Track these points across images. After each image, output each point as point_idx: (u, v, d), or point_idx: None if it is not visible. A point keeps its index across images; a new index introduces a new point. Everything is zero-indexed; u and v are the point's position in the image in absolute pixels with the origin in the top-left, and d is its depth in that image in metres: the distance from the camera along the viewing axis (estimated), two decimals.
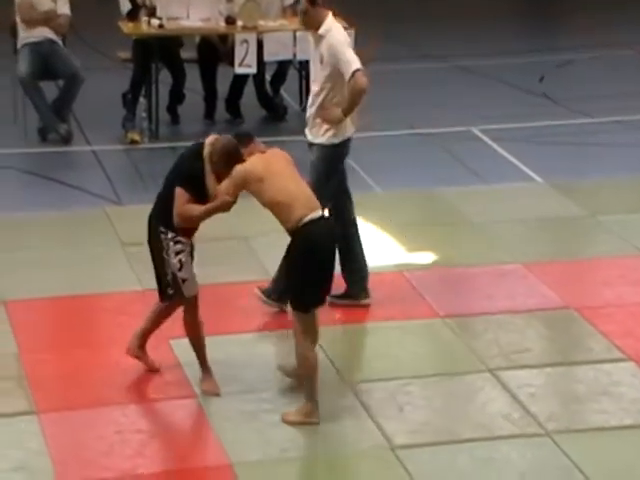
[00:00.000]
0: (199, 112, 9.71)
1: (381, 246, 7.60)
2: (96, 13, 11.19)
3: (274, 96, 9.97)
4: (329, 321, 6.64)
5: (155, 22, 9.22)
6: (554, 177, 8.66)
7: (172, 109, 9.69)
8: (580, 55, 11.42)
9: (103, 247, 7.44)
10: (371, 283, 6.92)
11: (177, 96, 9.71)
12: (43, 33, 9.08)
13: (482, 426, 5.74)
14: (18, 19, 9.13)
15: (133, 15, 9.32)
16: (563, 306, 6.86)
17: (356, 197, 8.36)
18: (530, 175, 8.82)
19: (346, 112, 6.46)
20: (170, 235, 5.83)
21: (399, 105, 10.08)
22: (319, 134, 6.52)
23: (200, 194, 5.77)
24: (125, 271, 7.13)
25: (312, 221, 5.64)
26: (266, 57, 9.38)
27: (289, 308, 5.95)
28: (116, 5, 9.56)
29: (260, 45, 9.31)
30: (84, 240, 7.59)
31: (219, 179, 5.75)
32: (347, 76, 6.36)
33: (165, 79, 9.65)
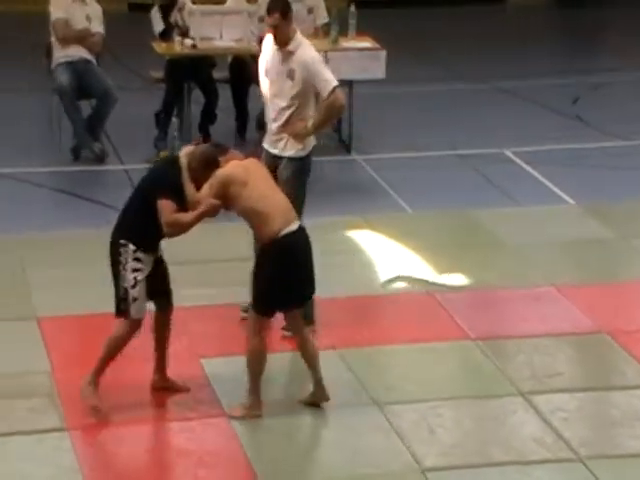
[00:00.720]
0: (231, 131, 9.72)
1: (411, 267, 7.57)
2: (129, 33, 11.26)
3: None
4: (359, 342, 6.62)
5: (188, 42, 9.27)
6: (587, 199, 8.61)
7: (204, 129, 9.71)
8: (614, 77, 11.37)
9: None
10: (403, 305, 6.89)
11: (209, 116, 9.74)
12: (78, 52, 9.13)
13: (514, 450, 5.69)
14: (53, 38, 9.19)
15: (166, 35, 9.37)
16: (596, 330, 6.79)
17: (387, 218, 8.38)
18: (563, 197, 8.77)
19: (318, 127, 6.59)
20: (131, 248, 5.79)
21: (431, 126, 10.07)
22: (286, 148, 6.61)
23: (181, 204, 5.76)
24: None
25: (290, 233, 5.73)
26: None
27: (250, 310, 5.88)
28: (149, 25, 9.61)
29: None
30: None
31: (198, 186, 5.76)
32: (325, 92, 6.45)
33: (197, 99, 9.68)
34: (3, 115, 9.96)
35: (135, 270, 5.81)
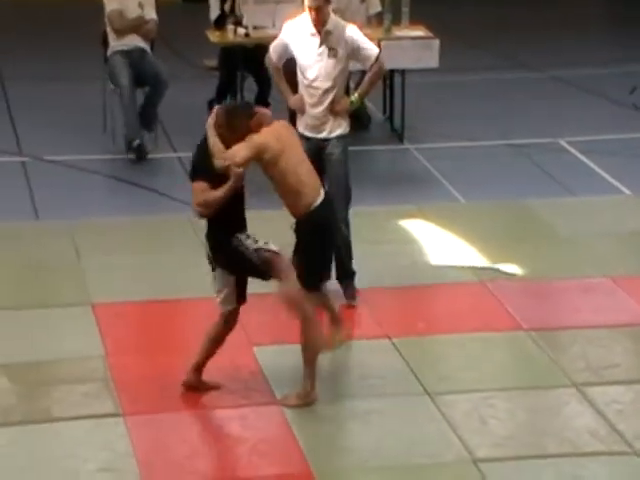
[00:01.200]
0: (283, 119, 9.71)
1: (464, 256, 7.53)
2: (183, 23, 11.31)
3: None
4: (412, 332, 6.60)
5: (241, 31, 9.27)
6: None
7: None
8: None
9: (187, 252, 7.47)
10: (455, 294, 6.85)
11: (262, 104, 9.73)
12: (133, 41, 9.18)
13: (567, 442, 5.64)
14: (108, 28, 9.25)
15: (220, 22, 9.38)
16: None
17: (440, 207, 8.34)
18: (619, 188, 8.67)
19: (364, 96, 6.84)
20: (238, 237, 5.76)
21: (484, 116, 10.00)
22: (334, 128, 6.72)
23: (210, 175, 5.67)
24: (208, 277, 7.14)
25: (320, 205, 5.80)
26: (350, 66, 9.36)
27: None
28: (203, 15, 9.63)
29: None
30: (169, 245, 7.64)
31: (227, 145, 5.71)
32: (370, 60, 6.68)
33: (250, 87, 9.69)
34: (60, 103, 10.04)
35: (257, 250, 5.73)
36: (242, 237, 5.81)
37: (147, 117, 9.21)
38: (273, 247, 5.81)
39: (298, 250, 5.90)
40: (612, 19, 13.44)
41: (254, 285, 6.98)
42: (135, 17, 9.20)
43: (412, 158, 9.31)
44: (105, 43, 9.32)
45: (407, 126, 9.56)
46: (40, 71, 10.73)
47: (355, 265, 6.96)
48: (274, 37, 9.41)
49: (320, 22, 6.62)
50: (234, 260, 5.84)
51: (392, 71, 9.55)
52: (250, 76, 9.68)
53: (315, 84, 6.67)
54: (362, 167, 9.25)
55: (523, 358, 6.46)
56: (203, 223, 7.87)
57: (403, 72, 9.44)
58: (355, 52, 6.67)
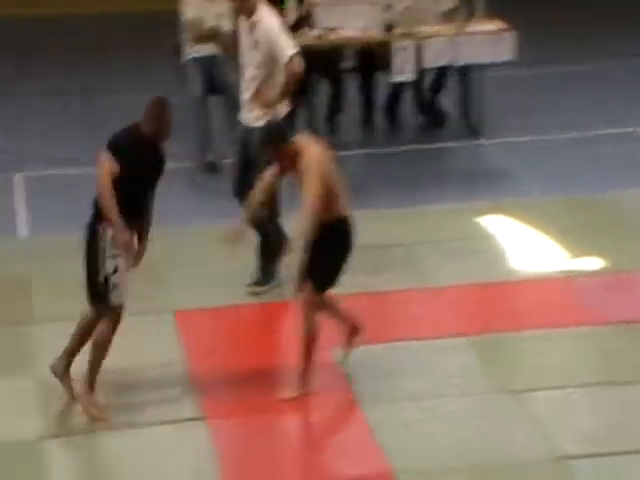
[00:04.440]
0: (357, 120, 9.72)
1: (544, 252, 7.44)
2: None
3: (433, 103, 9.90)
4: (491, 329, 6.55)
5: (314, 34, 9.29)
6: None
7: (330, 119, 9.73)
8: None
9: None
10: (534, 289, 6.77)
11: (335, 106, 9.75)
12: (207, 49, 9.26)
13: None
14: (184, 36, 9.34)
15: (297, 26, 9.39)
16: None
17: (518, 202, 8.25)
18: None
19: (282, 95, 6.79)
20: (111, 235, 5.69)
21: (562, 108, 9.88)
22: (257, 118, 6.77)
23: (124, 164, 5.66)
24: (286, 280, 7.18)
25: (348, 216, 5.89)
26: (425, 63, 9.33)
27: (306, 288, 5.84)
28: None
29: (419, 51, 9.27)
30: (252, 249, 7.66)
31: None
32: (284, 60, 6.70)
33: (324, 88, 9.70)
34: (131, 116, 10.15)
35: (114, 256, 5.70)
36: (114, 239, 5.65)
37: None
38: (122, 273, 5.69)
39: (320, 253, 5.84)
40: None
41: (339, 287, 7.00)
42: (211, 27, 9.27)
43: (489, 154, 9.23)
44: (178, 52, 9.41)
45: (483, 121, 9.49)
46: (112, 84, 10.87)
47: (434, 263, 6.92)
48: (347, 38, 9.48)
49: (246, 11, 6.77)
50: (89, 247, 5.70)
51: (467, 66, 9.49)
52: (324, 78, 9.69)
53: (244, 71, 6.86)
54: (439, 164, 9.21)
55: (608, 353, 6.36)
56: (284, 225, 7.94)
57: (479, 67, 9.37)
58: (272, 48, 6.73)
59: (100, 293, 5.72)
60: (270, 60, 6.75)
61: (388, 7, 9.46)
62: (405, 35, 9.27)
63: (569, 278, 7.08)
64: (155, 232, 7.87)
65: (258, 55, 6.74)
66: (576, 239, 7.57)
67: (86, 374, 5.80)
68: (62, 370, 5.89)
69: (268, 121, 6.36)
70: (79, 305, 5.88)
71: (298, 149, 5.86)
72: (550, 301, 6.82)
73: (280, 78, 6.76)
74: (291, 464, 5.53)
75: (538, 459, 5.46)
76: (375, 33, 9.39)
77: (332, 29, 9.35)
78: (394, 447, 5.57)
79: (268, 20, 6.76)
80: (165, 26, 9.63)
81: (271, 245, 7.03)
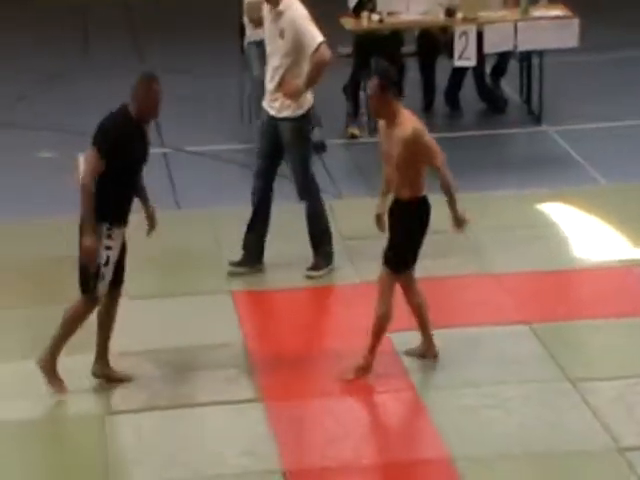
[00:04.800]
0: (418, 105, 9.66)
1: (607, 240, 7.35)
2: (318, 10, 11.31)
3: (494, 88, 9.81)
4: (553, 317, 6.49)
5: (375, 17, 9.25)
6: None
7: None
8: None
9: None
10: (597, 278, 6.69)
11: (397, 91, 9.67)
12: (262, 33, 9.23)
13: None
14: (245, 19, 9.34)
15: (359, 9, 9.35)
16: None
17: (580, 190, 8.15)
18: None
19: (307, 84, 6.75)
20: (105, 227, 5.68)
21: (625, 95, 9.74)
22: (282, 108, 6.78)
23: (109, 158, 5.64)
24: (344, 264, 7.17)
25: (425, 195, 5.90)
26: (486, 49, 9.24)
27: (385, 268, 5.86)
28: (335, 1, 9.62)
29: (480, 37, 9.19)
30: (304, 234, 7.67)
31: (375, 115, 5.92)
32: (311, 49, 6.65)
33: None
34: (199, 95, 10.19)
35: (107, 248, 5.72)
36: (108, 230, 5.66)
37: None
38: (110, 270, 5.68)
39: (399, 233, 5.87)
40: None
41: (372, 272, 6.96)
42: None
43: (551, 140, 9.13)
44: (242, 34, 9.41)
45: (545, 108, 9.39)
46: (178, 64, 10.91)
47: (494, 250, 6.87)
48: (408, 22, 9.43)
49: (272, 1, 6.74)
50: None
51: (529, 52, 9.39)
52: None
53: (269, 60, 6.83)
54: (500, 151, 9.13)
55: None
56: (340, 210, 7.94)
57: (541, 53, 9.27)
58: (297, 38, 6.69)
59: (89, 282, 5.74)
60: (296, 49, 6.73)
61: None
62: (467, 20, 9.19)
63: (630, 267, 6.98)
64: (215, 213, 7.96)
65: (284, 44, 6.71)
66: (638, 228, 7.46)
67: (49, 346, 5.80)
68: (49, 364, 5.82)
69: (382, 64, 6.18)
70: None
71: (399, 109, 5.85)
72: (610, 290, 6.74)
73: (306, 67, 6.72)
74: (348, 448, 5.51)
75: (598, 449, 5.41)
76: (436, 17, 9.33)
77: (393, 13, 9.30)
78: (452, 433, 5.54)
79: (295, 8, 6.75)
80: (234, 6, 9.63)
81: (324, 231, 7.02)
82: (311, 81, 6.76)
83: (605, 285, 6.78)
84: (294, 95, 6.73)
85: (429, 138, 5.87)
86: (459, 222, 5.96)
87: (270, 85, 6.83)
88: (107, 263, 5.74)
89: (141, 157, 5.84)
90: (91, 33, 11.79)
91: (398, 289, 6.00)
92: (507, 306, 6.64)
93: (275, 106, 6.82)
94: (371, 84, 5.91)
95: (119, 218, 5.78)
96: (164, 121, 9.81)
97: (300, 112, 6.80)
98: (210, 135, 9.36)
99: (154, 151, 9.56)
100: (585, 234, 7.49)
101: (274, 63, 6.79)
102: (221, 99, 9.89)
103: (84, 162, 5.68)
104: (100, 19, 12.12)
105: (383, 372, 6.02)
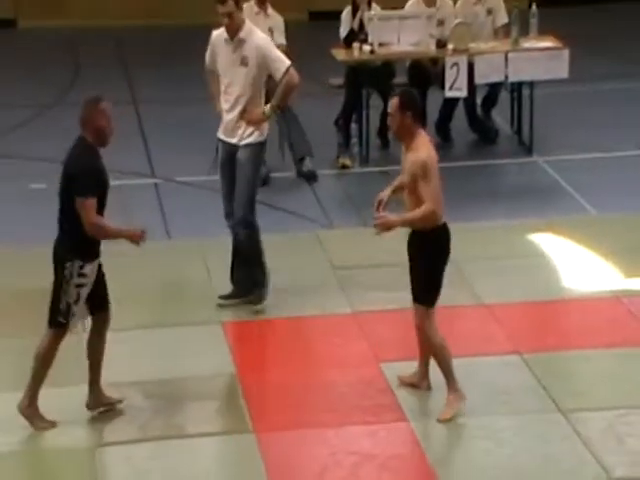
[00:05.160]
0: None
1: (597, 270, 7.37)
2: (310, 41, 11.38)
3: (485, 119, 9.86)
4: (543, 348, 6.49)
5: (366, 48, 9.29)
6: None
7: (383, 133, 9.72)
8: None
9: (315, 270, 7.51)
10: (587, 308, 6.70)
11: (387, 121, 9.71)
12: None
13: None
14: None
15: (350, 39, 9.39)
16: None
17: (570, 220, 8.18)
18: None
19: (275, 108, 6.85)
20: (77, 264, 5.67)
21: (615, 125, 9.79)
22: (245, 135, 6.86)
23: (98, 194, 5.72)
24: (336, 294, 7.18)
25: (445, 223, 5.80)
26: (477, 80, 9.30)
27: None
28: (328, 32, 9.67)
29: (471, 68, 9.24)
30: (297, 263, 7.68)
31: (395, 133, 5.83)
32: (280, 72, 6.73)
33: (375, 103, 9.69)
34: (187, 126, 10.21)
35: (79, 285, 5.71)
36: (80, 268, 5.66)
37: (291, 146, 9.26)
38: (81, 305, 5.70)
39: (422, 265, 5.82)
40: None
41: (379, 302, 6.97)
42: None
43: (541, 170, 9.17)
44: None
45: (535, 138, 9.43)
46: (169, 95, 10.95)
47: (485, 280, 6.88)
48: (399, 53, 9.47)
49: (233, 29, 6.77)
50: (57, 280, 5.69)
51: (520, 83, 9.45)
52: (376, 94, 9.69)
53: (229, 90, 6.83)
54: (491, 181, 9.16)
55: None
56: (331, 240, 7.96)
57: (531, 84, 9.33)
58: (264, 63, 6.74)
59: (57, 316, 5.74)
60: (260, 75, 6.78)
61: (441, 23, 9.45)
62: (457, 51, 9.25)
63: (620, 298, 6.99)
64: (205, 244, 7.96)
65: (248, 71, 6.75)
66: (629, 259, 7.48)
67: (28, 388, 5.80)
68: (30, 409, 5.80)
69: (401, 89, 6.15)
70: None
71: (417, 133, 5.75)
72: (601, 320, 6.75)
73: (262, 96, 6.82)
74: (339, 479, 5.50)
75: None
76: (428, 48, 9.39)
77: (385, 44, 9.35)
78: (443, 464, 5.53)
79: (258, 36, 6.81)
80: None
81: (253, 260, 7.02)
82: (281, 103, 6.88)
83: (595, 315, 6.79)
84: (258, 123, 6.82)
85: (435, 182, 5.68)
86: (384, 220, 5.68)
87: (230, 115, 6.86)
88: (77, 301, 5.74)
89: (108, 185, 5.82)
90: (82, 65, 11.84)
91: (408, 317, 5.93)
92: (498, 336, 6.65)
93: (238, 133, 6.87)
94: (392, 102, 5.86)
95: (91, 253, 5.77)
96: (154, 151, 9.85)
97: (261, 139, 6.91)
98: (200, 165, 9.37)
99: (145, 182, 9.59)
100: (575, 264, 7.50)
101: (235, 92, 6.81)
102: (211, 129, 9.91)
103: (80, 210, 5.69)
104: (91, 51, 12.19)
105: (375, 403, 6.02)
